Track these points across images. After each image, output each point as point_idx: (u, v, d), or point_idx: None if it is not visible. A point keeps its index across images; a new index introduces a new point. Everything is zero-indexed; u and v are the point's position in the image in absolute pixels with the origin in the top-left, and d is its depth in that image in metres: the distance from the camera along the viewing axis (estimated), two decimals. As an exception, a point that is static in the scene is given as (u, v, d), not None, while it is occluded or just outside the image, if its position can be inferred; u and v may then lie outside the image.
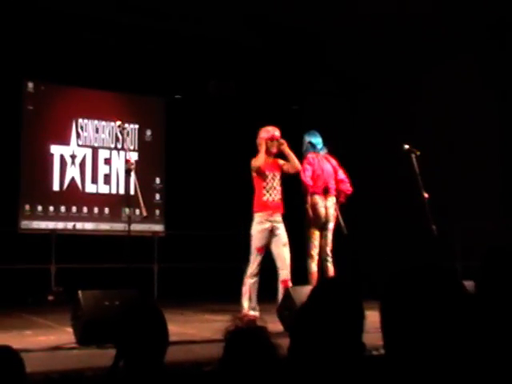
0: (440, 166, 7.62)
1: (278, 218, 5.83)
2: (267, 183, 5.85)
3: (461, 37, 8.03)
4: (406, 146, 6.03)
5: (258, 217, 5.82)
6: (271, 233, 5.79)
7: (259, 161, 5.81)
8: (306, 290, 5.21)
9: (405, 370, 1.37)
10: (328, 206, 6.18)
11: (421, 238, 5.94)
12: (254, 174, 5.92)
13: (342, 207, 5.73)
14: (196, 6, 8.65)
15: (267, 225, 5.77)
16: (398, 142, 6.13)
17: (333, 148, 6.41)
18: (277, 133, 5.94)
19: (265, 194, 5.83)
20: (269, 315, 5.33)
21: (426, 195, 5.84)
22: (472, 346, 1.36)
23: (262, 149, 5.85)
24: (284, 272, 5.73)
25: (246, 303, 5.80)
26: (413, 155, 5.99)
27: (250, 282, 5.80)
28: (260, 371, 1.68)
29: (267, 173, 5.88)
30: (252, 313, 5.73)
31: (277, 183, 5.89)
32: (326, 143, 6.51)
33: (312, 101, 10.03)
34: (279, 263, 5.77)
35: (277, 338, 1.86)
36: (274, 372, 1.67)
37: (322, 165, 6.29)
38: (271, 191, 5.84)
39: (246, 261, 9.66)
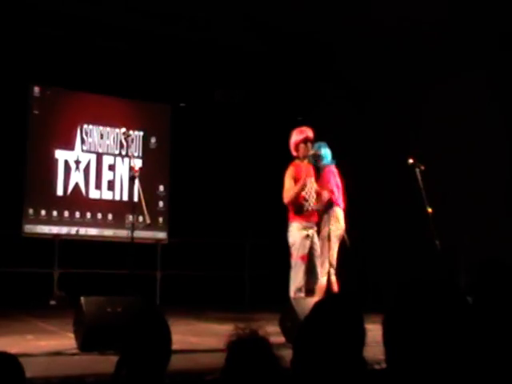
0: (446, 178, 7.62)
1: (315, 226, 5.71)
2: (306, 192, 5.69)
3: (470, 48, 8.03)
4: (411, 161, 6.02)
5: (297, 225, 5.60)
6: (310, 241, 5.62)
7: (293, 192, 5.59)
8: (308, 301, 5.20)
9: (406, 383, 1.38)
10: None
11: (425, 252, 5.94)
12: (291, 182, 5.65)
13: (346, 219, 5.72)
14: (203, 13, 8.70)
15: (310, 231, 5.62)
16: (404, 154, 6.14)
17: (339, 159, 6.40)
18: (310, 133, 5.75)
19: (304, 204, 5.65)
20: (271, 326, 5.34)
21: (429, 210, 5.83)
22: (474, 362, 1.37)
23: (297, 185, 5.60)
24: (316, 285, 5.61)
25: None
26: (417, 170, 5.99)
27: (295, 298, 5.41)
28: (261, 381, 1.69)
29: (308, 180, 5.71)
30: None
31: (313, 190, 5.75)
32: (332, 155, 6.49)
33: (318, 111, 10.04)
34: (311, 275, 5.62)
35: (278, 350, 1.87)
36: (275, 383, 1.68)
37: (336, 178, 6.27)
38: (310, 199, 5.71)
39: (249, 269, 9.73)
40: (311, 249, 5.63)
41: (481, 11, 7.59)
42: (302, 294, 5.53)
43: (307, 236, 5.60)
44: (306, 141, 5.74)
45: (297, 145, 5.74)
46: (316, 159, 6.03)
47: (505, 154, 7.98)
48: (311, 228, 5.66)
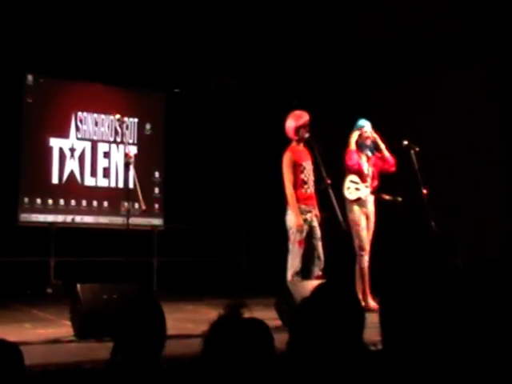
0: (441, 164, 7.62)
1: (314, 210, 5.69)
2: (305, 175, 5.68)
3: (468, 41, 8.01)
4: (405, 142, 6.03)
5: (293, 207, 5.58)
6: (308, 224, 5.61)
7: (290, 176, 5.60)
8: (305, 284, 5.22)
9: (403, 366, 1.37)
10: None
11: (421, 233, 5.95)
12: (290, 169, 5.64)
13: (338, 201, 5.70)
14: (198, 2, 8.64)
15: (308, 215, 5.61)
16: (399, 138, 6.13)
17: (334, 143, 6.38)
18: (304, 118, 5.73)
19: (303, 186, 5.64)
20: (268, 310, 5.35)
21: (424, 191, 5.84)
22: (471, 342, 1.37)
23: (288, 175, 5.59)
24: (320, 267, 5.59)
25: None
26: (412, 151, 5.99)
27: (291, 281, 5.47)
28: (252, 362, 1.65)
29: (304, 164, 5.69)
30: None
31: (312, 174, 5.73)
32: (326, 139, 6.47)
33: (313, 95, 10.01)
34: (316, 258, 5.63)
35: (275, 333, 1.86)
36: (268, 364, 1.65)
37: None
38: (309, 183, 5.69)
39: (245, 254, 9.74)
40: (311, 233, 5.62)
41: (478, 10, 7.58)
42: (299, 278, 5.54)
43: (305, 220, 5.59)
44: (305, 125, 5.71)
45: (297, 128, 5.72)
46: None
47: (500, 139, 7.98)
48: (309, 212, 5.65)
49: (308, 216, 5.63)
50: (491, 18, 7.82)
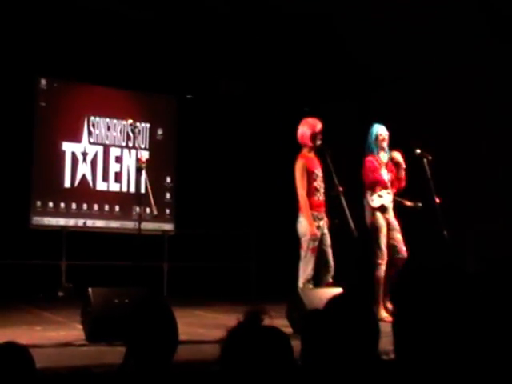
0: (453, 170, 7.58)
1: (325, 217, 5.71)
2: (317, 182, 5.70)
3: (471, 40, 7.99)
4: (418, 151, 6.02)
5: (306, 215, 5.58)
6: (320, 231, 5.62)
7: (303, 183, 5.61)
8: (316, 292, 5.21)
9: (415, 375, 1.37)
10: None
11: (433, 241, 5.93)
12: (304, 177, 5.66)
13: (350, 208, 5.69)
14: (210, 3, 8.66)
15: (321, 222, 5.63)
16: (411, 146, 6.12)
17: (346, 150, 6.38)
18: (319, 126, 5.76)
19: (315, 194, 5.66)
20: (278, 317, 5.34)
21: (437, 200, 5.82)
22: (485, 352, 1.36)
23: (302, 179, 5.60)
24: (330, 275, 5.58)
25: None
26: (425, 160, 5.98)
27: (303, 289, 5.43)
28: (269, 370, 1.64)
29: (316, 171, 5.71)
30: None
31: (322, 182, 5.75)
32: (338, 145, 6.47)
33: (325, 102, 10.01)
34: (326, 265, 5.62)
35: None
36: (287, 374, 1.64)
37: None
38: (320, 190, 5.71)
39: (255, 260, 9.73)
40: (321, 240, 5.63)
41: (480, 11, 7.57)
42: (311, 286, 5.52)
43: (318, 227, 5.60)
44: (320, 132, 5.76)
45: (314, 135, 5.73)
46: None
47: (510, 142, 7.93)
48: (321, 219, 5.67)
49: (321, 223, 5.65)
50: (501, 22, 7.79)
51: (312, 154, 5.79)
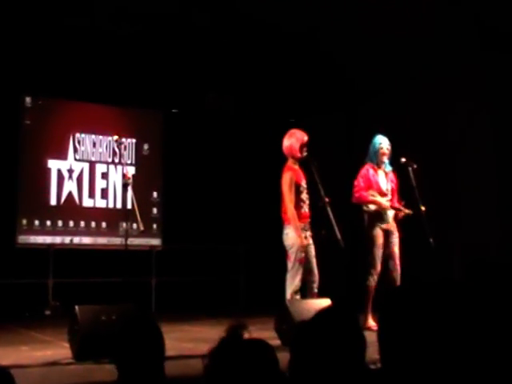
0: (438, 179, 7.64)
1: (309, 228, 5.72)
2: (304, 194, 5.72)
3: (460, 52, 8.08)
4: (403, 159, 6.06)
5: (295, 227, 5.60)
6: (307, 242, 5.65)
7: (291, 196, 5.63)
8: (304, 303, 5.21)
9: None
10: None
11: (420, 250, 5.95)
12: (291, 189, 5.68)
13: (336, 219, 5.70)
14: (195, 17, 8.70)
15: (307, 233, 5.66)
16: (396, 155, 6.16)
17: (332, 160, 6.39)
18: (306, 137, 5.77)
19: (302, 206, 5.67)
20: (267, 329, 5.32)
21: (423, 208, 5.85)
22: (469, 360, 1.36)
23: (290, 191, 5.62)
24: (315, 285, 5.59)
25: None
26: (410, 168, 6.02)
27: (290, 300, 5.44)
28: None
29: (303, 183, 5.75)
30: None
31: (307, 194, 5.77)
32: (324, 156, 6.48)
33: (310, 114, 10.07)
34: (311, 276, 5.62)
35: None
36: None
37: None
38: (306, 202, 5.73)
39: (243, 273, 9.71)
40: (307, 251, 5.63)
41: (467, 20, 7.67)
42: (298, 297, 5.53)
43: (305, 238, 5.61)
44: (307, 143, 5.79)
45: (302, 147, 5.76)
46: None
47: (495, 154, 8.01)
48: (307, 230, 5.70)
49: (307, 234, 5.67)
50: (487, 32, 7.89)
51: (297, 166, 5.82)
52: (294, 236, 5.58)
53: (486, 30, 7.82)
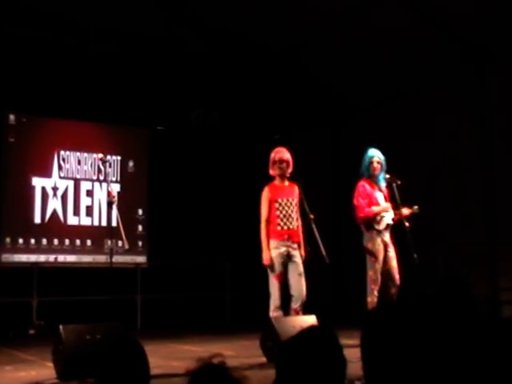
0: (424, 193, 7.71)
1: (294, 245, 5.63)
2: (280, 211, 5.65)
3: (443, 69, 8.20)
4: (387, 176, 6.10)
5: (272, 243, 5.58)
6: (288, 259, 5.59)
7: (263, 212, 5.67)
8: (289, 321, 5.20)
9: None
10: None
11: (404, 265, 5.98)
12: (264, 205, 5.68)
13: (322, 235, 5.70)
14: (179, 34, 8.77)
15: (281, 249, 5.58)
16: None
17: (317, 175, 6.40)
18: (279, 155, 5.71)
19: (278, 223, 5.62)
20: (253, 346, 5.31)
21: (407, 224, 5.89)
22: (452, 376, 1.38)
23: (265, 204, 5.67)
24: (298, 302, 5.54)
25: None
26: (394, 185, 6.06)
27: (274, 316, 5.41)
28: None
29: (279, 200, 5.67)
30: None
31: (292, 210, 5.68)
32: (309, 172, 6.48)
33: (295, 131, 10.13)
34: (294, 292, 5.57)
35: (260, 370, 1.86)
36: None
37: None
38: (285, 219, 5.64)
39: (229, 290, 9.68)
40: (289, 267, 5.60)
41: (451, 36, 7.79)
42: (281, 312, 5.50)
43: (280, 254, 5.57)
44: (280, 160, 5.76)
45: (274, 163, 5.76)
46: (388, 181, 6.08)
47: (479, 166, 8.11)
48: (286, 246, 5.62)
49: (283, 250, 5.59)
50: (465, 46, 8.03)
51: (281, 183, 5.80)
52: (271, 252, 5.57)
53: (468, 48, 7.96)
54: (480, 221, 7.98)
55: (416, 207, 6.01)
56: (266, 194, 5.71)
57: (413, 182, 6.23)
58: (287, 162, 5.73)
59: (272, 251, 5.58)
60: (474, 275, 6.98)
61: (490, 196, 8.01)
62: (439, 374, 1.34)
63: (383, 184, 6.14)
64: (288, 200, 5.70)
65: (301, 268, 5.62)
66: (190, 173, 9.88)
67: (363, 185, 6.09)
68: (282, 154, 5.75)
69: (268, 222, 5.66)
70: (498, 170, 7.93)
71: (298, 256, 5.63)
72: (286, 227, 5.63)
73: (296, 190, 5.77)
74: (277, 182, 5.78)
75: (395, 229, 6.11)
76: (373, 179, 6.09)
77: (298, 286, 5.56)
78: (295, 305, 5.54)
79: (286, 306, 5.64)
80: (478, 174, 8.10)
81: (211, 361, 1.66)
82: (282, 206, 5.66)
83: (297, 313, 5.49)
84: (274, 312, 5.48)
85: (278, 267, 5.55)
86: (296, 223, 5.69)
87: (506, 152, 7.80)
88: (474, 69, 8.11)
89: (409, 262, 5.80)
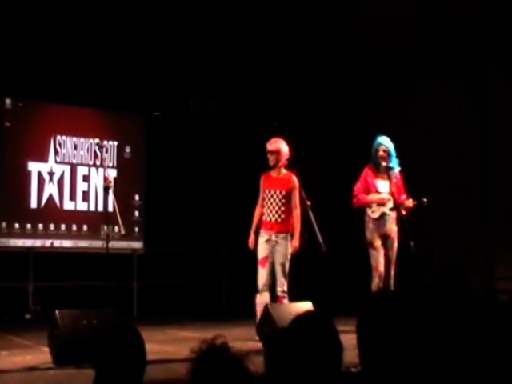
0: (421, 184, 7.71)
1: (278, 236, 5.71)
2: (266, 202, 5.75)
3: (442, 59, 8.17)
4: (384, 164, 6.07)
5: (260, 231, 5.76)
6: (272, 247, 5.70)
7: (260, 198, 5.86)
8: (284, 307, 5.22)
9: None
10: None
11: (401, 253, 5.98)
12: (260, 192, 5.85)
13: (319, 223, 5.69)
14: (177, 21, 8.71)
15: (266, 237, 5.70)
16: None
17: (314, 164, 6.39)
18: (267, 146, 5.76)
19: (264, 213, 5.76)
20: (249, 332, 5.33)
21: (403, 212, 5.88)
22: (445, 364, 1.38)
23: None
24: (278, 289, 5.65)
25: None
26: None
27: (257, 299, 5.62)
28: None
29: (267, 191, 5.77)
30: None
31: (277, 203, 5.74)
32: (307, 160, 6.45)
33: (293, 118, 10.10)
34: (276, 280, 5.69)
35: (256, 356, 1.86)
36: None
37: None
38: (269, 211, 5.74)
39: (226, 277, 9.69)
40: (273, 256, 5.71)
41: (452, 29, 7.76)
42: (265, 296, 5.59)
43: (264, 242, 5.72)
44: (269, 152, 5.82)
45: (267, 154, 5.79)
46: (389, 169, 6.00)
47: (477, 159, 8.12)
48: (272, 235, 5.73)
49: (267, 238, 5.72)
50: (467, 41, 8.00)
51: (275, 173, 5.81)
52: (258, 239, 5.75)
53: (466, 39, 7.93)
54: (477, 210, 8.00)
55: (425, 199, 5.90)
56: (261, 182, 5.86)
57: (410, 171, 6.21)
58: (274, 152, 5.76)
59: (260, 239, 5.76)
60: (470, 264, 7.00)
61: (487, 185, 8.01)
62: (435, 360, 1.34)
63: (392, 172, 6.05)
64: (275, 192, 5.76)
65: (282, 258, 5.69)
66: (187, 159, 9.85)
67: (366, 171, 6.10)
68: (269, 145, 5.80)
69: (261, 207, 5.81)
70: (495, 160, 7.94)
71: (281, 245, 5.70)
72: (268, 219, 5.75)
73: (291, 180, 5.77)
74: (272, 171, 5.81)
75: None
76: (379, 167, 6.05)
77: (278, 275, 5.67)
78: (277, 292, 5.68)
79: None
80: (475, 164, 8.10)
81: (214, 342, 1.67)
82: (268, 198, 5.77)
83: (280, 300, 5.62)
84: (257, 296, 5.63)
85: (260, 252, 5.71)
86: (281, 216, 5.72)
87: (502, 143, 7.80)
88: (472, 59, 8.09)
89: (405, 250, 5.80)
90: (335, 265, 9.59)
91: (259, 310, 5.43)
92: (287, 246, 5.69)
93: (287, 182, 5.76)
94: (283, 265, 5.67)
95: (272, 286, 5.68)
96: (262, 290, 5.63)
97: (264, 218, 5.76)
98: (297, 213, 5.72)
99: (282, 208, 5.72)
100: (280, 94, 10.06)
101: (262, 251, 5.70)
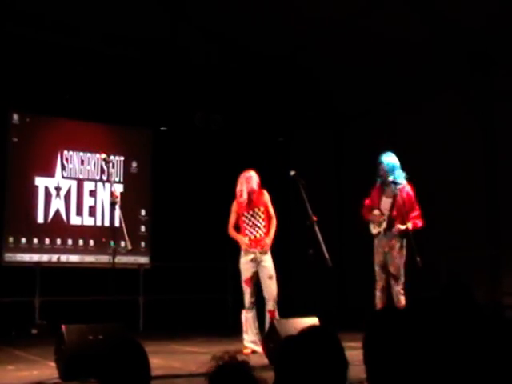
0: (427, 197, 7.70)
1: (262, 250, 5.95)
2: (247, 223, 6.03)
3: (446, 71, 8.20)
4: (390, 179, 6.07)
5: (242, 251, 6.00)
6: (257, 264, 5.90)
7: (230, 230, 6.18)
8: (290, 322, 5.21)
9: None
10: None
11: (407, 268, 5.97)
12: (232, 215, 6.18)
13: (324, 238, 5.70)
14: (182, 38, 8.78)
15: (250, 256, 5.92)
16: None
17: (318, 178, 6.40)
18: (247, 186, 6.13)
19: (246, 234, 6.00)
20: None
21: (410, 227, 5.87)
22: (454, 380, 1.38)
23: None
24: (270, 303, 5.83)
25: (244, 336, 5.91)
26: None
27: (245, 316, 5.91)
28: None
29: (245, 214, 6.05)
30: (252, 346, 5.73)
31: (258, 220, 6.02)
32: (312, 174, 6.48)
33: (299, 133, 10.13)
34: (265, 295, 5.89)
35: (262, 371, 1.86)
36: None
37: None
38: (251, 229, 6.01)
39: (231, 292, 9.67)
40: (260, 272, 5.92)
41: (454, 40, 7.79)
42: (251, 314, 5.87)
43: (247, 261, 5.93)
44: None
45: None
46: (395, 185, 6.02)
47: (484, 172, 8.11)
48: (256, 253, 5.95)
49: (251, 257, 5.93)
50: (467, 50, 8.03)
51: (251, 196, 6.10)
52: (241, 259, 6.01)
53: (470, 52, 7.95)
54: (483, 224, 7.97)
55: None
56: (233, 208, 6.23)
57: (416, 184, 6.21)
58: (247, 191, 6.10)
59: (241, 259, 6.00)
60: (477, 279, 6.98)
61: (494, 199, 8.00)
62: (442, 376, 1.34)
63: (395, 189, 6.04)
64: (254, 211, 6.04)
65: (270, 271, 5.92)
66: (193, 174, 9.87)
67: (375, 185, 6.20)
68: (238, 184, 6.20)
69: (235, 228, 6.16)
70: (502, 174, 7.92)
71: (266, 260, 5.94)
72: (253, 237, 5.99)
73: (263, 194, 6.12)
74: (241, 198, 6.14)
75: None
76: (384, 183, 6.09)
77: (269, 288, 5.88)
78: (268, 306, 5.87)
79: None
80: (481, 177, 8.09)
81: (235, 357, 1.67)
82: (248, 219, 6.05)
83: (272, 314, 5.79)
84: (244, 312, 5.91)
85: (245, 272, 5.94)
86: (263, 230, 6.02)
87: (508, 155, 7.80)
88: (476, 71, 8.10)
89: (412, 265, 5.78)
90: (341, 280, 9.57)
91: (247, 325, 5.81)
92: (271, 259, 5.94)
93: (261, 199, 6.09)
94: (271, 277, 5.90)
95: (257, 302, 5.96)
96: (249, 307, 5.90)
97: (248, 237, 5.98)
98: (274, 220, 6.07)
99: (263, 223, 6.03)
100: (286, 109, 10.10)
101: (246, 271, 5.94)
